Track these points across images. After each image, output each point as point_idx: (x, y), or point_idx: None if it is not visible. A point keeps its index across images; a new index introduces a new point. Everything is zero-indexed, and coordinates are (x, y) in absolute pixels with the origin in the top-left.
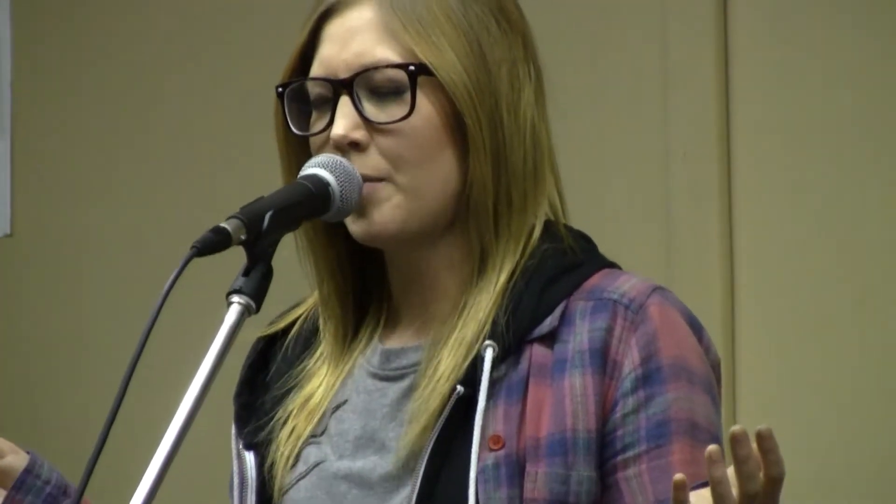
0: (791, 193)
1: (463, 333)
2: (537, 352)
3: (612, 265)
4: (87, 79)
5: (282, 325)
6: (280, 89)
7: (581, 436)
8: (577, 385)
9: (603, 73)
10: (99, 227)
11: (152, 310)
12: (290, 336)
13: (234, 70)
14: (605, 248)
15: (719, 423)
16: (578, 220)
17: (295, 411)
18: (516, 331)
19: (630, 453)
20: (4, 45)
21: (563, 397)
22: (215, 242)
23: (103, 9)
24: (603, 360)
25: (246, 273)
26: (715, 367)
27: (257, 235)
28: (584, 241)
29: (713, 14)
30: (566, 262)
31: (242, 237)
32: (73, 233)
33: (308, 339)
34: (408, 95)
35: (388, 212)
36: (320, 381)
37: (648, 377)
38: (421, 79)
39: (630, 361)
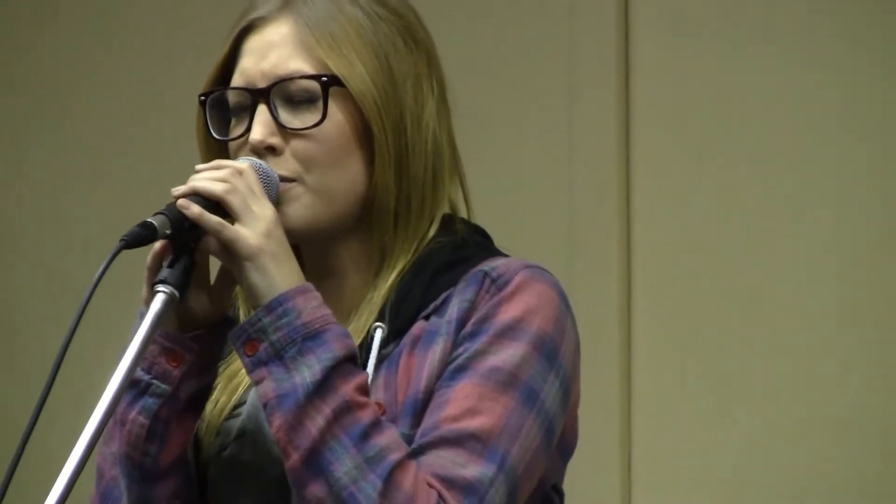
0: (685, 198)
1: (357, 323)
2: (417, 326)
3: (503, 255)
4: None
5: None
6: (202, 98)
7: (428, 396)
8: (438, 351)
9: (512, 86)
10: (24, 220)
11: (81, 299)
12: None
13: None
14: (510, 245)
15: (551, 392)
16: (485, 219)
17: (220, 386)
18: (404, 314)
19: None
20: None
21: (424, 364)
22: (142, 236)
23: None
24: (461, 326)
25: (171, 265)
26: (570, 345)
27: (181, 230)
28: (479, 234)
29: (615, 38)
30: (456, 255)
31: (167, 231)
32: None
33: None
34: (320, 104)
35: (299, 210)
36: None
37: (476, 332)
38: (332, 89)
39: (471, 322)
